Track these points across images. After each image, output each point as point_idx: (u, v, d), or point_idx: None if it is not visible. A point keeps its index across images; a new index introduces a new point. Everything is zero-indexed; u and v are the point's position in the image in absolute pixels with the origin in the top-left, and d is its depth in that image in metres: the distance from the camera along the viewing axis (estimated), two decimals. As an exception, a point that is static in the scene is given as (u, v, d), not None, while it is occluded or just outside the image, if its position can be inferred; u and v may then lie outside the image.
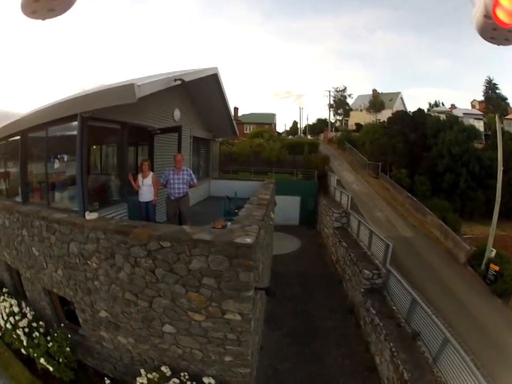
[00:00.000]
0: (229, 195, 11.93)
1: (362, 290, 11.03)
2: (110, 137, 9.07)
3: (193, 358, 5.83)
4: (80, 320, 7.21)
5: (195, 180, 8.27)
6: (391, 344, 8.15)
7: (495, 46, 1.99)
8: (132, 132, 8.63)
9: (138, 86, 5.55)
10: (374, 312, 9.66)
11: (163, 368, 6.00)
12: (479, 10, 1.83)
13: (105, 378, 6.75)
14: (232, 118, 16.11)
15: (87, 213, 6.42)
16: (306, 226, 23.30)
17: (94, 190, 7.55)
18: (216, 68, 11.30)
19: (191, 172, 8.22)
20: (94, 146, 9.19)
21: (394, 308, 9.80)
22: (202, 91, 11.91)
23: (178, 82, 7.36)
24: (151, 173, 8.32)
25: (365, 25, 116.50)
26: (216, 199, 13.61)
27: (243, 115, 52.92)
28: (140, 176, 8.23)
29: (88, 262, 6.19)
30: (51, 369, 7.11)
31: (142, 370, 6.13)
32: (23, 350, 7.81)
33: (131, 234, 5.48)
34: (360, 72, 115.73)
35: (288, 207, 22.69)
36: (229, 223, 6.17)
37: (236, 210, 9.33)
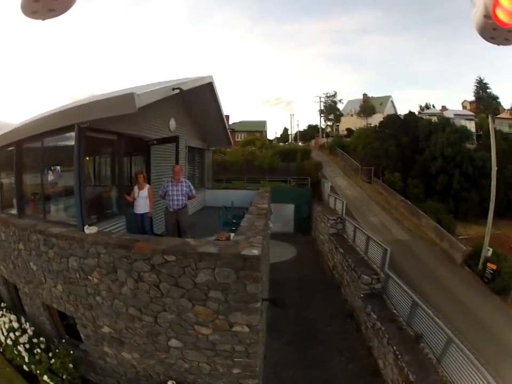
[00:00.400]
0: (224, 205, 11.85)
1: (361, 295, 11.06)
2: (107, 148, 8.94)
3: (200, 372, 5.73)
4: (82, 336, 7.05)
5: (194, 192, 8.17)
6: (394, 347, 8.19)
7: (494, 46, 1.99)
8: (128, 143, 8.54)
9: (138, 95, 5.46)
10: (375, 316, 9.69)
11: (169, 383, 5.89)
12: (479, 10, 1.83)
13: None
14: (227, 127, 16.10)
15: (86, 227, 6.29)
16: (301, 234, 23.37)
17: (91, 203, 7.44)
18: (211, 76, 11.25)
19: (190, 184, 8.12)
20: (90, 158, 9.13)
21: (394, 311, 9.85)
22: (197, 100, 11.84)
23: (177, 91, 7.29)
24: (147, 185, 8.24)
25: (354, 27, 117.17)
26: (211, 209, 13.69)
27: (234, 123, 53.00)
28: (135, 188, 8.15)
29: (88, 277, 6.05)
30: None
31: (148, 386, 6.03)
32: (25, 367, 7.65)
33: (133, 249, 5.37)
34: (350, 76, 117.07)
35: (283, 214, 22.92)
36: (232, 235, 6.10)
37: (234, 220, 9.34)
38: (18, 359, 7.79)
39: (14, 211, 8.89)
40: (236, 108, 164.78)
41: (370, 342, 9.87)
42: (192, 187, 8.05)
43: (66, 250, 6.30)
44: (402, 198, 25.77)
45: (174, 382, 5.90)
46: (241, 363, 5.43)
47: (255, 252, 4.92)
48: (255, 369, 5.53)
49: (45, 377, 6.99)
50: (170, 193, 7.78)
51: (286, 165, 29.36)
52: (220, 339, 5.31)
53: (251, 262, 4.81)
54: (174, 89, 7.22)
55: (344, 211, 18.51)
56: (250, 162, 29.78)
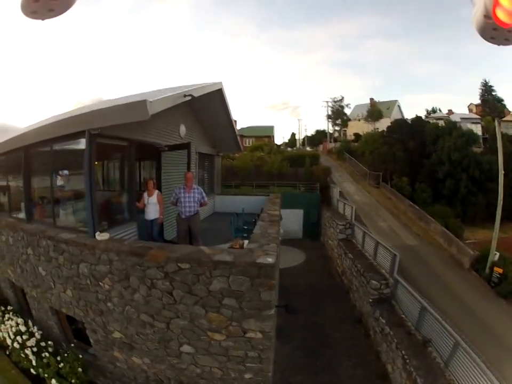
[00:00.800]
0: (234, 210, 11.89)
1: (370, 300, 11.08)
2: (117, 154, 8.96)
3: (212, 377, 5.76)
4: (92, 341, 7.09)
5: (206, 199, 8.17)
6: (403, 352, 8.23)
7: (495, 46, 2.00)
8: (138, 149, 8.59)
9: (151, 102, 5.48)
10: (383, 321, 9.71)
11: None
12: (479, 10, 1.83)
13: None
14: (236, 132, 16.11)
15: (97, 233, 6.30)
16: (310, 239, 23.33)
17: (102, 209, 7.45)
18: (221, 83, 11.25)
19: (202, 190, 8.13)
20: (100, 163, 9.13)
21: (403, 316, 9.88)
22: (207, 106, 11.84)
23: (188, 98, 7.31)
24: (157, 191, 8.28)
25: (355, 33, 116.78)
26: (221, 215, 13.75)
27: (242, 128, 53.13)
28: (145, 194, 8.20)
29: (100, 283, 6.08)
30: None
31: (159, 391, 6.06)
32: (32, 370, 7.68)
33: (147, 256, 5.40)
34: (356, 81, 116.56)
35: (292, 220, 22.81)
36: (246, 242, 6.12)
37: (245, 227, 9.39)
38: (25, 362, 7.82)
39: (22, 215, 8.92)
40: (243, 113, 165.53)
41: (379, 347, 9.90)
42: (204, 194, 8.07)
43: (77, 257, 6.33)
44: (410, 202, 25.61)
45: None
46: (254, 368, 5.46)
47: (270, 260, 4.94)
48: (268, 374, 5.56)
49: (53, 381, 7.02)
50: (182, 200, 7.79)
51: (295, 170, 29.30)
52: (233, 345, 5.34)
53: (266, 270, 4.84)
54: (185, 95, 7.24)
55: (353, 216, 18.50)
56: (259, 167, 29.74)
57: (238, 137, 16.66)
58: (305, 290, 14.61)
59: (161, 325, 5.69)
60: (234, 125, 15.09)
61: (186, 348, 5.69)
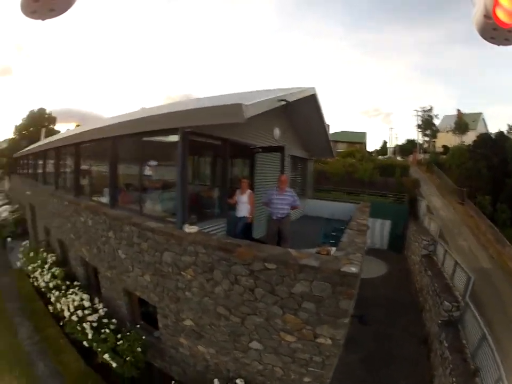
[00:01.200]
0: (323, 215, 12.17)
1: (439, 321, 10.94)
2: (211, 151, 9.42)
3: (272, 375, 5.96)
4: (160, 325, 7.52)
5: (298, 202, 8.26)
6: (454, 379, 8.13)
7: (496, 46, 2.03)
8: (232, 148, 8.85)
9: (246, 106, 5.62)
10: (446, 345, 9.54)
11: (238, 381, 6.17)
12: (479, 10, 1.89)
13: (173, 382, 7.06)
14: (329, 138, 16.20)
15: (186, 225, 6.63)
16: (394, 251, 22.96)
17: (191, 202, 7.71)
18: (314, 88, 11.35)
19: (294, 194, 8.24)
20: (191, 157, 9.55)
21: (464, 341, 9.66)
22: (300, 110, 11.99)
23: (283, 103, 7.45)
24: (249, 191, 8.56)
25: (442, 40, 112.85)
26: (311, 218, 14.12)
27: (334, 133, 53.55)
28: (238, 192, 8.52)
29: (182, 273, 6.46)
30: (114, 365, 7.45)
31: (216, 380, 6.38)
32: (85, 343, 8.25)
33: (234, 253, 5.67)
34: (440, 89, 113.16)
35: (379, 230, 23.03)
36: (333, 249, 6.21)
37: (333, 233, 9.46)
38: (79, 334, 8.40)
39: (105, 200, 9.58)
40: (336, 117, 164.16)
41: (435, 371, 9.74)
42: (296, 197, 8.17)
43: (162, 245, 6.76)
44: (491, 223, 24.49)
45: (243, 380, 6.18)
46: (315, 373, 5.59)
47: (354, 269, 5.03)
48: (326, 380, 5.65)
49: (106, 356, 7.50)
50: (274, 201, 7.97)
51: (385, 180, 29.29)
52: (301, 348, 5.49)
53: (349, 279, 4.93)
54: (279, 100, 7.36)
55: (438, 233, 18.21)
56: (351, 174, 30.00)
57: (331, 144, 16.72)
58: (381, 302, 14.53)
59: (236, 320, 5.96)
60: (328, 130, 15.11)
61: (255, 344, 5.93)
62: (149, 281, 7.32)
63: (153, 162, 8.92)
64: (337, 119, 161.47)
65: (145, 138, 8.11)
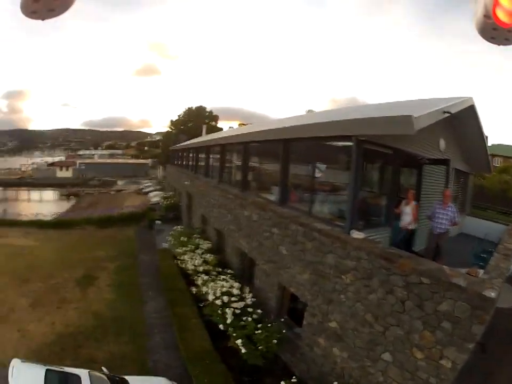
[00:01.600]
0: (477, 235, 12.61)
1: None
2: (380, 159, 10.32)
3: (387, 389, 6.53)
4: (305, 322, 8.67)
5: (457, 218, 8.91)
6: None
7: (496, 46, 2.25)
8: (401, 157, 9.85)
9: (416, 118, 6.40)
10: None
11: None
12: (479, 10, 2.06)
13: (293, 377, 7.97)
14: (488, 152, 16.26)
15: (354, 231, 7.63)
16: None
17: (360, 210, 8.65)
18: (472, 98, 11.60)
19: (455, 210, 8.88)
20: (363, 165, 10.31)
21: None
22: (461, 121, 12.45)
23: (447, 114, 8.12)
24: (413, 202, 9.45)
25: None
26: (467, 237, 14.44)
27: (490, 146, 50.42)
28: (403, 203, 9.46)
29: (342, 276, 7.50)
30: (243, 351, 8.62)
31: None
32: (221, 326, 9.52)
33: (396, 263, 6.45)
34: None
35: None
36: (480, 271, 6.52)
37: (483, 255, 9.89)
38: (218, 318, 9.69)
39: (273, 198, 11.18)
40: (490, 128, 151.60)
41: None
42: (456, 213, 8.85)
43: (327, 247, 7.90)
44: None
45: None
46: None
47: (492, 294, 5.36)
48: None
49: (239, 341, 8.68)
50: (436, 215, 8.80)
51: None
52: (424, 366, 5.99)
53: (487, 304, 5.32)
54: (444, 112, 8.06)
55: None
56: (505, 191, 29.32)
57: (490, 158, 16.92)
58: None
59: (380, 329, 6.74)
60: (486, 142, 15.21)
61: (386, 356, 6.61)
62: (306, 280, 8.55)
63: (323, 165, 10.16)
64: (493, 130, 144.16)
65: (316, 142, 9.43)
